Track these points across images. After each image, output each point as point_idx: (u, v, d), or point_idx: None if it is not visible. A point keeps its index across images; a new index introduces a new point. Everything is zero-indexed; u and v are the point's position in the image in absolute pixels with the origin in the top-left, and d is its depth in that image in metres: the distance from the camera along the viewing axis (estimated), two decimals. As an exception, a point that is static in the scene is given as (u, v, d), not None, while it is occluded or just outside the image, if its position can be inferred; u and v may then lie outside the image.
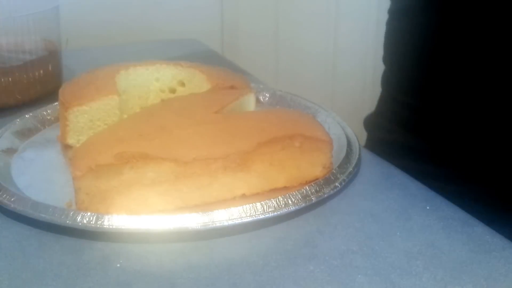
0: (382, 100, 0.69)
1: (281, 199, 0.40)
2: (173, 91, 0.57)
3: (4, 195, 0.41)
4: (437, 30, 0.55)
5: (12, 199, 0.41)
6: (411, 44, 0.59)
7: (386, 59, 0.66)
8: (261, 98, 0.62)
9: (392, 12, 0.64)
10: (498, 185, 0.55)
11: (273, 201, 0.40)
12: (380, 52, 0.68)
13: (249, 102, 0.53)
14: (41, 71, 0.64)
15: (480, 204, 0.54)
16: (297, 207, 0.41)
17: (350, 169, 0.46)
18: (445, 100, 0.56)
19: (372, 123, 0.70)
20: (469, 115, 0.54)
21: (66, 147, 0.52)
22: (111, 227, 0.38)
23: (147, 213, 0.39)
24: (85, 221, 0.38)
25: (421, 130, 0.60)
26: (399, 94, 0.64)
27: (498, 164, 0.54)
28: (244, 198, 0.43)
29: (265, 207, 0.40)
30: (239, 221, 0.39)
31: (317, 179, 0.45)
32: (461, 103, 0.55)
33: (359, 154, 0.48)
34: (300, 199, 0.41)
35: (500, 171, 0.54)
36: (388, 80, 0.67)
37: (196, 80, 0.56)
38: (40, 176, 0.47)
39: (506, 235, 0.39)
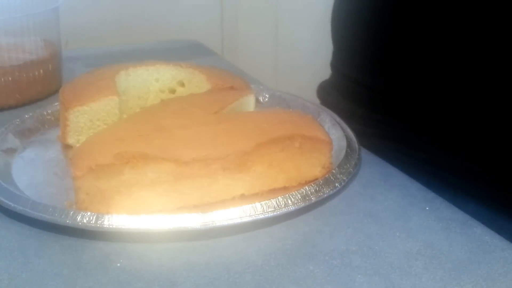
0: (334, 77, 0.69)
1: (281, 199, 0.41)
2: (173, 91, 0.57)
3: (4, 195, 0.41)
4: (390, 5, 0.55)
5: (12, 199, 0.41)
6: (363, 20, 0.59)
7: (336, 37, 0.66)
8: (260, 98, 0.62)
9: None
10: (460, 159, 0.55)
11: (273, 201, 0.40)
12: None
13: (249, 102, 0.53)
14: (41, 71, 0.65)
15: (440, 178, 0.54)
16: (296, 207, 0.41)
17: (350, 169, 0.46)
18: (402, 77, 0.56)
19: (325, 91, 0.69)
20: (428, 92, 0.54)
21: (66, 147, 0.52)
22: (111, 226, 0.38)
23: (147, 213, 0.39)
24: (85, 221, 0.38)
25: (376, 106, 0.60)
26: (351, 73, 0.63)
27: (459, 138, 0.55)
28: (244, 198, 0.44)
29: (264, 207, 0.40)
30: (238, 221, 0.39)
31: (316, 179, 0.45)
32: (419, 81, 0.55)
33: (359, 155, 0.48)
34: (300, 199, 0.41)
35: (461, 144, 0.55)
36: (339, 59, 0.66)
37: (195, 81, 0.56)
38: (40, 176, 0.47)
39: (505, 235, 0.39)
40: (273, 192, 0.44)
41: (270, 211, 0.40)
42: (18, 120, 0.55)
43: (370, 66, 0.60)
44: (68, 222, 0.38)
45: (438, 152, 0.56)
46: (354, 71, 0.63)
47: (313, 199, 0.42)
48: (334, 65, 0.68)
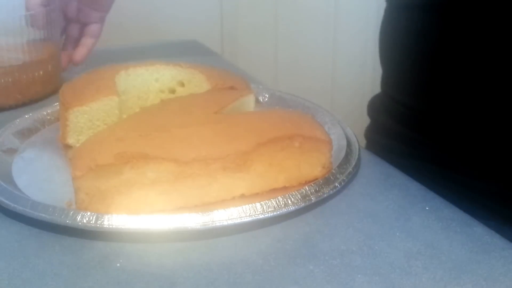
0: (380, 98, 0.69)
1: (281, 199, 0.41)
2: (172, 91, 0.57)
3: (4, 195, 0.41)
4: (437, 28, 0.55)
5: (12, 199, 0.41)
6: (410, 43, 0.59)
7: (384, 60, 0.66)
8: (260, 98, 0.62)
9: (389, 11, 0.64)
10: (499, 184, 0.55)
11: (273, 201, 0.40)
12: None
13: (249, 102, 0.53)
14: (41, 72, 0.65)
15: (479, 204, 0.54)
16: (296, 207, 0.41)
17: (350, 169, 0.46)
18: (447, 101, 0.56)
19: (375, 106, 0.69)
20: (472, 115, 0.54)
21: (66, 147, 0.52)
22: (111, 226, 0.38)
23: (147, 213, 0.39)
24: (85, 221, 0.38)
25: (422, 129, 0.60)
26: (398, 95, 0.63)
27: (499, 164, 0.54)
28: (244, 198, 0.43)
29: (264, 207, 0.40)
30: (238, 221, 0.39)
31: (316, 179, 0.45)
32: (464, 104, 0.55)
33: (359, 155, 0.48)
34: (300, 199, 0.41)
35: (501, 170, 0.55)
36: (386, 82, 0.66)
37: (195, 81, 0.56)
38: (40, 176, 0.47)
39: (505, 235, 0.39)
40: (273, 192, 0.44)
41: (270, 211, 0.40)
42: (18, 120, 0.55)
43: (415, 89, 0.60)
44: (68, 222, 0.38)
45: (474, 176, 0.56)
46: (399, 92, 0.63)
47: (313, 199, 0.42)
48: (382, 85, 0.68)
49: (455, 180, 0.57)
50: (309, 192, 0.42)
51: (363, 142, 0.70)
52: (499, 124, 0.53)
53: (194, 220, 0.38)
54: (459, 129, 0.56)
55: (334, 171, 0.45)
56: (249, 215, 0.39)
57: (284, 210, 0.40)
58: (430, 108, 0.58)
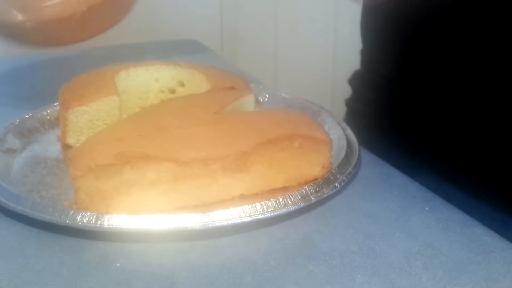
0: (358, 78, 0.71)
1: (281, 199, 0.41)
2: (172, 91, 0.57)
3: (4, 195, 0.41)
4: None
5: (12, 199, 0.41)
6: (392, 16, 0.61)
7: (364, 32, 0.68)
8: (260, 98, 0.62)
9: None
10: (470, 157, 0.56)
11: (273, 201, 0.40)
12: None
13: (249, 102, 0.53)
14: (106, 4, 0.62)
15: (448, 173, 0.55)
16: (296, 207, 0.41)
17: (350, 169, 0.46)
18: (425, 73, 0.57)
19: (356, 78, 0.72)
20: (448, 90, 0.55)
21: (66, 147, 0.52)
22: (111, 226, 0.38)
23: (147, 213, 0.39)
24: (85, 221, 0.38)
25: (400, 101, 0.61)
26: (377, 68, 0.65)
27: (472, 137, 0.55)
28: (244, 198, 0.44)
29: (264, 207, 0.40)
30: (238, 221, 0.39)
31: (316, 179, 0.45)
32: (440, 77, 0.56)
33: (359, 155, 0.48)
34: (300, 199, 0.41)
35: (474, 142, 0.55)
36: (366, 55, 0.69)
37: (195, 81, 0.56)
38: (40, 176, 0.47)
39: (504, 234, 0.39)
40: (273, 192, 0.44)
41: (270, 211, 0.40)
42: (18, 120, 0.55)
43: (394, 61, 0.62)
44: (68, 222, 0.38)
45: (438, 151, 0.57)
46: (379, 64, 0.66)
47: (313, 199, 0.42)
48: (362, 59, 0.71)
49: (429, 152, 0.57)
50: (309, 192, 0.42)
51: (344, 110, 0.74)
52: (474, 94, 0.53)
53: (194, 220, 0.38)
54: (435, 102, 0.56)
55: (334, 171, 0.45)
56: (249, 215, 0.39)
57: (284, 210, 0.40)
58: (409, 80, 0.59)
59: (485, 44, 0.51)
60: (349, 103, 0.74)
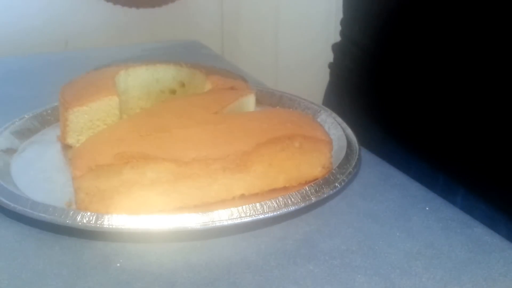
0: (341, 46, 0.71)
1: (281, 199, 0.41)
2: (173, 91, 0.57)
3: (4, 195, 0.41)
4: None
5: (12, 199, 0.41)
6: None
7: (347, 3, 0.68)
8: (260, 98, 0.62)
9: None
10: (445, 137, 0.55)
11: (273, 201, 0.40)
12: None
13: (249, 102, 0.53)
14: None
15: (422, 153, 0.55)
16: (296, 207, 0.41)
17: (350, 169, 0.46)
18: (404, 46, 0.57)
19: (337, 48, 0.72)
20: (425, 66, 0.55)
21: (66, 147, 0.52)
22: (111, 227, 0.38)
23: (147, 213, 0.39)
24: (85, 221, 0.38)
25: (378, 75, 0.61)
26: (358, 38, 0.65)
27: (448, 115, 0.55)
28: (244, 198, 0.44)
29: (264, 207, 0.40)
30: (238, 221, 0.39)
31: (316, 179, 0.45)
32: (419, 53, 0.55)
33: (359, 155, 0.48)
34: (300, 199, 0.41)
35: (449, 122, 0.55)
36: (346, 25, 0.69)
37: (196, 81, 0.56)
38: (40, 176, 0.47)
39: (504, 234, 0.39)
40: (273, 192, 0.44)
41: (270, 211, 0.40)
42: (17, 120, 0.55)
43: (375, 32, 0.62)
44: (68, 222, 0.38)
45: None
46: (359, 35, 0.65)
47: (313, 199, 0.42)
48: (342, 29, 0.71)
49: (404, 128, 0.57)
50: (309, 192, 0.42)
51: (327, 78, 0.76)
52: (453, 72, 0.53)
53: (194, 220, 0.38)
54: (415, 79, 0.56)
55: (334, 171, 0.45)
56: (249, 215, 0.39)
57: (284, 210, 0.40)
58: (388, 52, 0.59)
59: (473, 23, 0.50)
60: (332, 67, 0.75)
